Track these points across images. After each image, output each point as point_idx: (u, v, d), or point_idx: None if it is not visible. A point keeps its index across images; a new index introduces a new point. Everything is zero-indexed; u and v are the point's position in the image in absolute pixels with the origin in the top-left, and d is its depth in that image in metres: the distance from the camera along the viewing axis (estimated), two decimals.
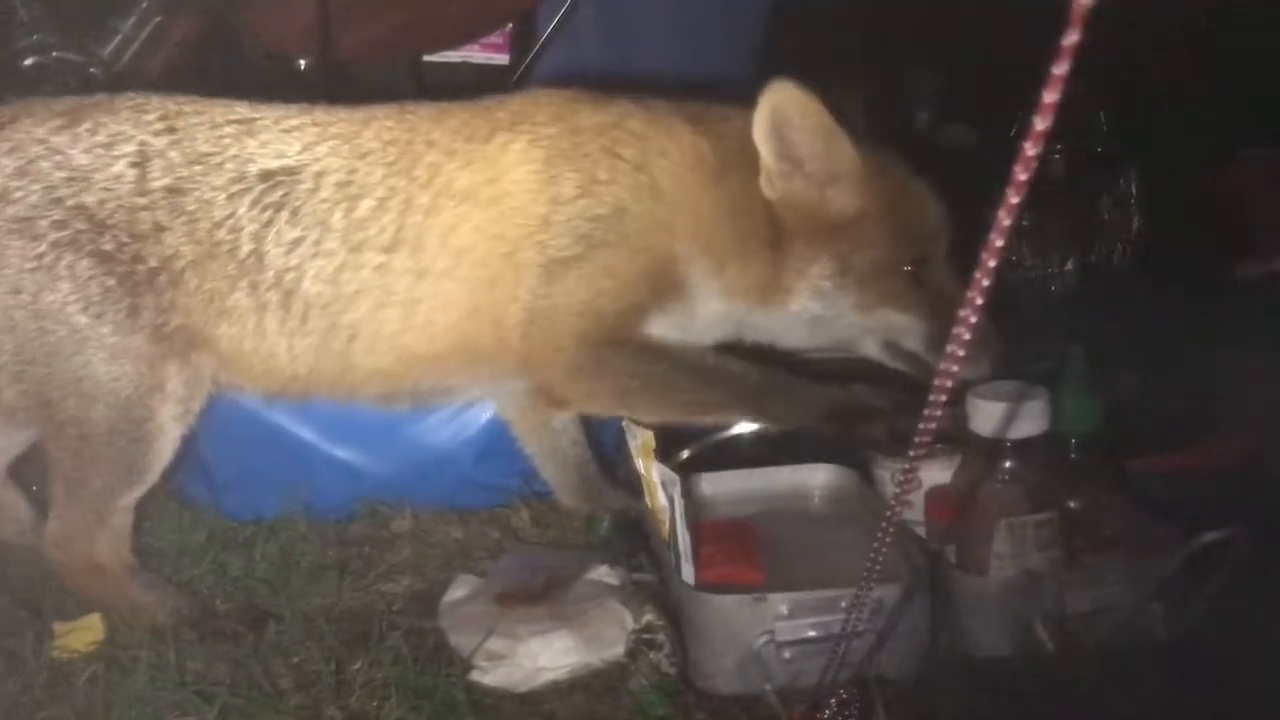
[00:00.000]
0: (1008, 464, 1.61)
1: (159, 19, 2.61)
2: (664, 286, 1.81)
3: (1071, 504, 1.73)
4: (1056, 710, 1.49)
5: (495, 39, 2.89)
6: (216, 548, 1.99)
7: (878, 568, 1.26)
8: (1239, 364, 2.09)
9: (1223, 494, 1.85)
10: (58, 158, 1.74)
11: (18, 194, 1.72)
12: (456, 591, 1.81)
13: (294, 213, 1.77)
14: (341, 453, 2.10)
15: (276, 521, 2.05)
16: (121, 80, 2.50)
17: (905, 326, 1.82)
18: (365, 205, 1.79)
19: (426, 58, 2.89)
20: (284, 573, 1.92)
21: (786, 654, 1.55)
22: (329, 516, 2.08)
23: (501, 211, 1.79)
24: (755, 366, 1.81)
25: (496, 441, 2.12)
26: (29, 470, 2.05)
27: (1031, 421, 1.60)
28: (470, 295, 1.81)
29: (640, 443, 1.73)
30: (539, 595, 1.77)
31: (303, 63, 2.73)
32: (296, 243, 1.77)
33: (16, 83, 2.45)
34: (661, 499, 1.67)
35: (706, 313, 1.86)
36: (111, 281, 1.72)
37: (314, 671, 1.65)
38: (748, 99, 1.81)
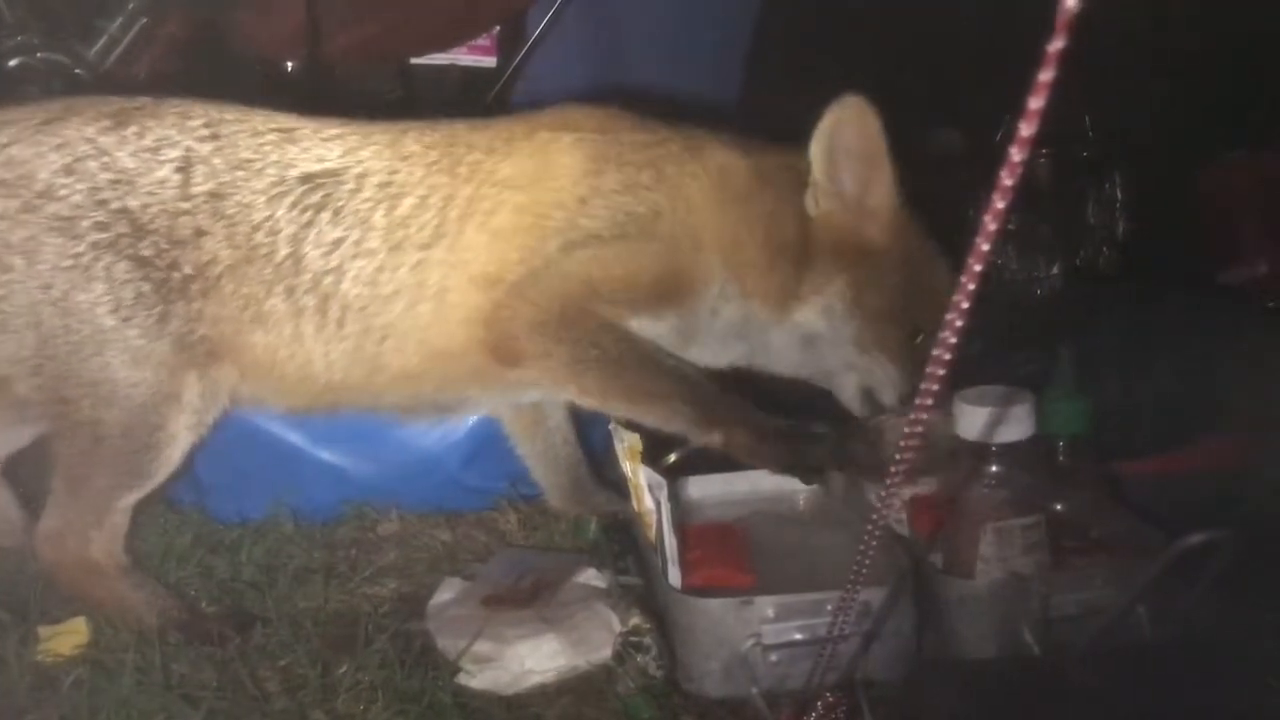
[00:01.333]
0: (994, 468, 1.62)
1: (145, 20, 2.60)
2: (668, 296, 1.83)
3: (1058, 507, 1.74)
4: (1043, 713, 1.49)
5: (482, 41, 2.89)
6: (203, 550, 1.98)
7: (864, 571, 1.27)
8: (1225, 367, 2.09)
9: (1209, 496, 1.85)
10: (105, 159, 1.74)
11: (62, 191, 1.72)
12: (443, 594, 1.81)
13: (335, 213, 1.78)
14: (328, 455, 2.10)
15: (263, 524, 2.05)
16: (108, 82, 2.49)
17: (889, 379, 1.86)
18: (407, 203, 1.80)
19: (414, 60, 2.89)
20: (270, 575, 1.91)
21: (773, 657, 1.55)
22: (316, 519, 2.08)
23: (540, 192, 1.81)
24: (712, 378, 1.83)
25: (484, 444, 2.12)
26: (19, 471, 2.04)
27: (1017, 425, 1.61)
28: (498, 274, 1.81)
29: (627, 446, 1.73)
30: (526, 598, 1.77)
31: (290, 65, 2.73)
32: (337, 243, 1.78)
33: (1, 83, 2.44)
34: (648, 502, 1.68)
35: (716, 323, 1.87)
36: (146, 287, 1.73)
37: (300, 675, 1.64)
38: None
